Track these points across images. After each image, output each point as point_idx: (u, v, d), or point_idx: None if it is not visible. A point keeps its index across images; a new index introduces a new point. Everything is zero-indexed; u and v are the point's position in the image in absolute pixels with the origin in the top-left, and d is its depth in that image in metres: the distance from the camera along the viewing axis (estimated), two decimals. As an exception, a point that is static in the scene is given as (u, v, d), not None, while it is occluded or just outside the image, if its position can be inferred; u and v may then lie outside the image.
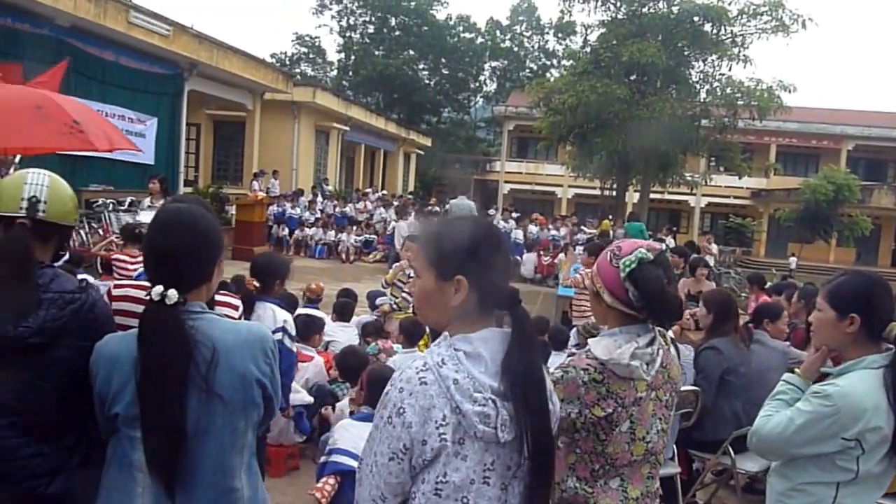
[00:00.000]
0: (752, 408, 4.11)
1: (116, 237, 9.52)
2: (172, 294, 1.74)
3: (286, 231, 18.30)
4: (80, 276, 6.47)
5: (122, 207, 12.33)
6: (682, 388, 4.00)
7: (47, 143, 3.83)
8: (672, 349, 2.16)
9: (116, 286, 2.29)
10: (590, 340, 2.08)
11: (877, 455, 2.16)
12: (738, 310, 4.68)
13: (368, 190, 24.76)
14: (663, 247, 2.14)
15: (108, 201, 12.19)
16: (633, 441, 2.02)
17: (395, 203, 20.99)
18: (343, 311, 6.70)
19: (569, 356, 2.35)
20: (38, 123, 3.82)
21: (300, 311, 6.47)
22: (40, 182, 2.03)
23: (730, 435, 4.12)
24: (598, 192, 28.62)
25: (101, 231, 11.68)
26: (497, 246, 1.60)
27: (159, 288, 1.74)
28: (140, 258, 4.34)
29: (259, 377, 1.84)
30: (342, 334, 6.33)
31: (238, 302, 2.53)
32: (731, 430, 4.15)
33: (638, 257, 2.02)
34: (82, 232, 11.57)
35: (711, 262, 13.54)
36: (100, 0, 12.38)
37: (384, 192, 26.87)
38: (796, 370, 2.47)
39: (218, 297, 2.13)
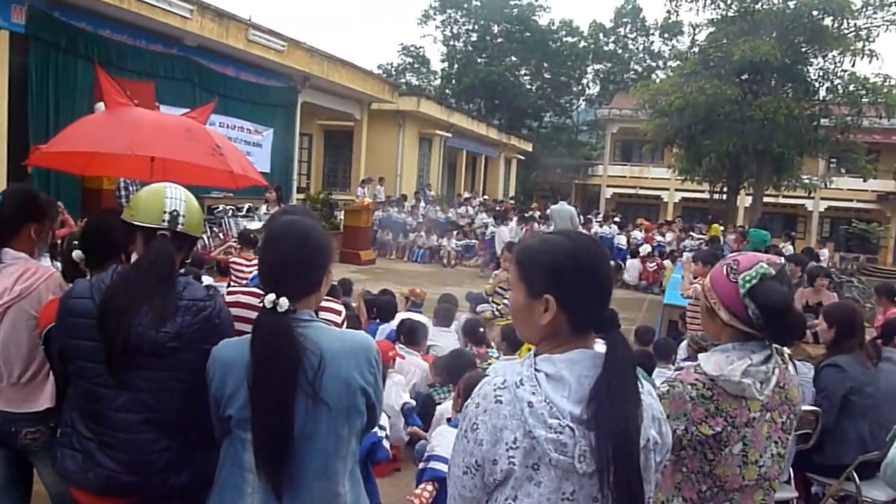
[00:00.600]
0: (880, 431, 3.85)
1: (234, 242, 10.04)
2: (284, 302, 1.81)
3: (390, 235, 18.66)
4: (204, 282, 6.89)
5: (241, 213, 13.03)
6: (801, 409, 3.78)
7: (193, 160, 4.26)
8: (791, 368, 2.03)
9: (229, 293, 2.40)
10: (700, 355, 1.99)
11: None
12: (863, 324, 4.36)
13: (468, 195, 24.91)
14: (783, 261, 2.01)
15: (228, 207, 12.88)
16: (746, 464, 1.92)
17: (497, 208, 21.01)
18: (444, 315, 6.77)
19: (676, 370, 2.25)
20: (188, 142, 4.30)
21: (404, 315, 6.62)
22: (178, 196, 2.21)
23: (854, 459, 3.85)
24: (706, 195, 27.69)
25: (220, 235, 12.37)
26: (594, 265, 1.50)
27: (272, 296, 1.82)
28: (254, 262, 4.57)
29: (363, 385, 1.88)
30: (443, 338, 6.38)
31: (341, 307, 2.61)
32: (855, 454, 3.88)
33: (759, 273, 1.91)
34: (204, 236, 12.24)
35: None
36: (223, 20, 13.13)
37: (485, 197, 26.99)
38: None
39: (322, 303, 2.19)
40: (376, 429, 4.03)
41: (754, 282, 1.91)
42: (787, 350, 3.70)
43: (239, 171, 4.46)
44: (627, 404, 1.40)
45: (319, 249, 1.95)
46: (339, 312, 2.54)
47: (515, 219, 17.69)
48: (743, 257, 1.99)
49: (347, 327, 5.39)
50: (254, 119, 15.30)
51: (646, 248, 17.48)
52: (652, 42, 47.43)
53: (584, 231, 17.86)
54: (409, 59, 49.80)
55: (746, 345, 1.94)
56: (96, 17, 11.11)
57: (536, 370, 1.45)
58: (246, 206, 13.09)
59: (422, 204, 20.74)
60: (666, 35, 44.73)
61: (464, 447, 1.47)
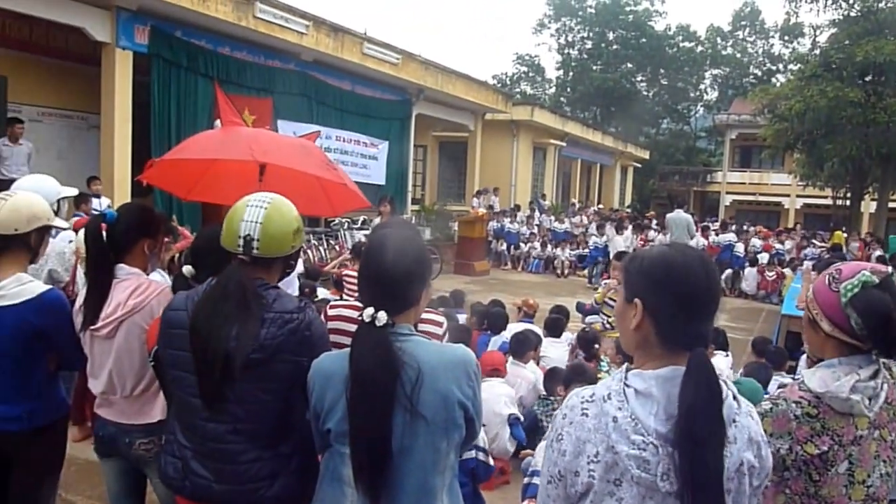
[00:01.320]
0: None
1: (348, 254, 10.38)
2: (382, 316, 1.83)
3: (504, 246, 18.71)
4: (320, 296, 7.19)
5: (356, 226, 13.47)
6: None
7: (310, 170, 4.35)
8: None
9: (331, 306, 2.47)
10: (804, 371, 1.94)
11: None
12: None
13: (577, 204, 24.61)
14: (889, 270, 1.95)
15: (345, 220, 13.32)
16: (852, 484, 1.85)
17: (612, 217, 20.64)
18: (554, 326, 6.78)
19: (779, 387, 2.20)
20: (304, 157, 4.42)
21: (516, 326, 6.69)
22: (255, 219, 2.13)
23: None
24: (828, 202, 26.27)
25: (337, 248, 12.85)
26: (689, 276, 1.47)
27: (370, 310, 1.84)
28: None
29: (461, 399, 1.86)
30: (553, 350, 6.38)
31: (442, 319, 2.61)
32: None
33: (861, 280, 1.85)
34: (321, 248, 12.78)
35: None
36: (338, 35, 13.46)
37: (600, 206, 26.57)
38: None
39: (423, 315, 2.26)
40: (473, 451, 4.07)
41: (856, 290, 1.84)
42: None
43: (352, 185, 4.56)
44: (711, 423, 1.37)
45: (418, 263, 1.94)
46: (440, 324, 2.53)
47: (630, 227, 17.34)
48: (846, 266, 1.93)
49: (458, 339, 5.56)
50: (369, 132, 15.55)
51: (764, 257, 16.73)
52: (771, 45, 45.61)
53: (702, 238, 17.45)
54: (524, 69, 49.89)
55: (853, 359, 1.87)
56: (215, 35, 11.47)
57: (626, 385, 1.46)
58: (361, 218, 13.52)
59: (536, 214, 20.67)
60: (786, 38, 42.80)
61: (549, 457, 1.50)
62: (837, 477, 1.84)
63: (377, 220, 11.86)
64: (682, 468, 1.35)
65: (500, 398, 4.97)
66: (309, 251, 12.20)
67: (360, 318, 1.88)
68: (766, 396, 1.97)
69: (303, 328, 2.08)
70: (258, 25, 11.44)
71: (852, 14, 20.65)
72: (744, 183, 37.48)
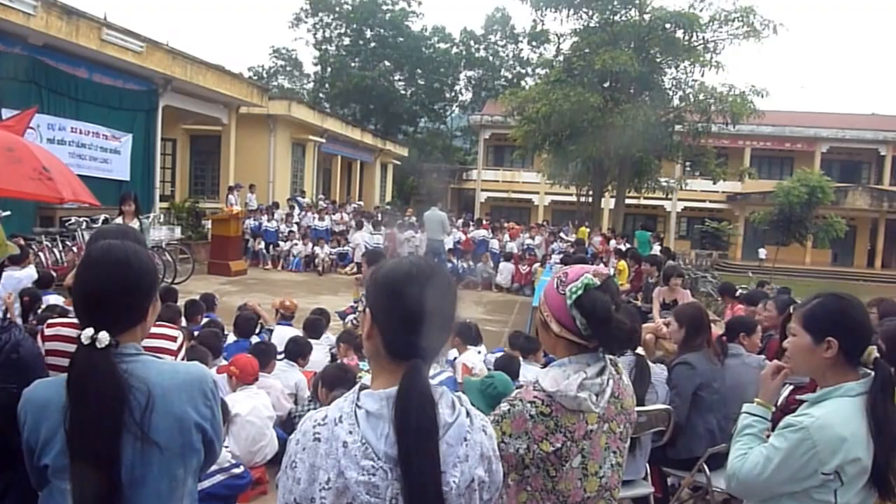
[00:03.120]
0: (727, 423, 4.08)
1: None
2: (103, 337, 1.64)
3: (263, 244, 18.12)
4: (51, 301, 6.35)
5: (97, 225, 12.13)
6: (654, 408, 3.94)
7: (17, 187, 3.76)
8: (625, 378, 2.09)
9: (49, 325, 2.18)
10: (538, 372, 2.02)
11: (855, 486, 2.04)
12: (710, 323, 4.62)
13: (320, 201, 24.61)
14: (609, 273, 2.07)
15: (82, 219, 12.00)
16: (586, 477, 1.95)
17: (369, 214, 20.88)
18: (313, 328, 6.66)
19: (517, 388, 2.27)
20: (10, 165, 3.77)
21: (276, 328, 6.43)
22: None
23: (704, 452, 4.06)
24: (574, 199, 28.78)
25: (75, 249, 11.51)
26: (407, 289, 1.42)
27: (89, 331, 1.65)
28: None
29: (198, 421, 1.75)
30: (314, 352, 6.24)
31: (177, 333, 2.40)
32: (705, 446, 4.09)
33: (584, 283, 1.96)
34: (56, 251, 11.39)
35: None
36: (72, 18, 12.27)
37: (360, 203, 26.79)
38: (756, 398, 2.35)
39: (154, 329, 2.01)
40: (218, 475, 3.93)
41: (580, 292, 1.94)
42: (628, 357, 3.85)
43: (69, 195, 4.03)
44: (421, 443, 1.35)
45: (143, 275, 1.78)
46: (173, 339, 2.35)
47: (371, 224, 17.69)
48: (572, 270, 2.05)
49: (207, 344, 5.19)
50: (110, 124, 14.40)
51: (512, 246, 17.98)
52: (521, 50, 48.84)
53: (461, 233, 18.35)
54: (282, 62, 48.76)
55: (581, 358, 1.97)
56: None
57: (358, 406, 1.40)
58: (102, 217, 12.24)
59: (296, 211, 20.31)
60: (534, 43, 46.04)
61: (284, 485, 1.43)
62: (572, 471, 1.92)
63: (117, 220, 10.82)
64: (402, 491, 1.34)
65: (259, 405, 4.76)
66: (42, 254, 10.84)
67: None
68: (504, 399, 2.01)
69: (8, 350, 1.82)
70: (-25, 3, 10.05)
71: (591, 24, 22.62)
72: (497, 181, 40.11)
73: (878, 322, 5.50)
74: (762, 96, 20.84)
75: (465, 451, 1.42)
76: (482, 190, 39.83)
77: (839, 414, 2.05)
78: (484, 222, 21.68)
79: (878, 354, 2.09)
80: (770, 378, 2.34)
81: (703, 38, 21.55)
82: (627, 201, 25.96)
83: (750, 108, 20.68)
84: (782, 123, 36.34)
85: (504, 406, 1.95)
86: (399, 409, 1.36)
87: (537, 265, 16.69)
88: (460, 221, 21.76)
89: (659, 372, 4.24)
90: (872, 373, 2.09)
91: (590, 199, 25.95)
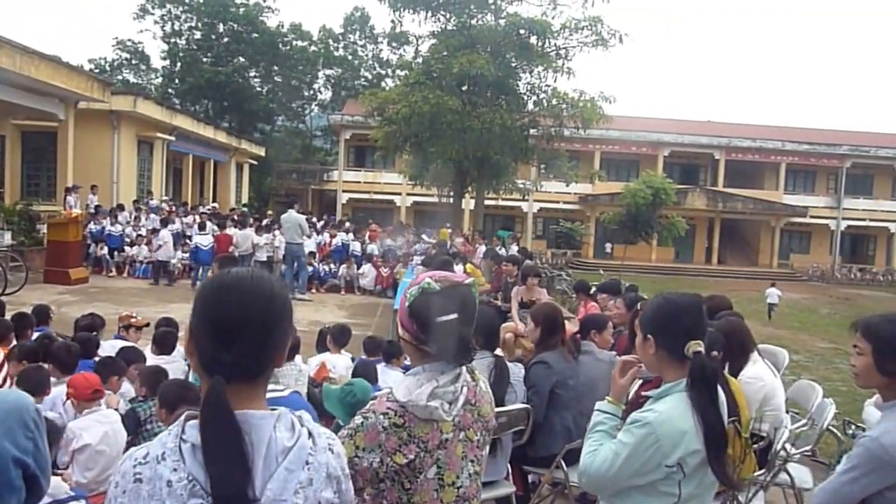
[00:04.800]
0: (582, 420, 4.16)
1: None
2: None
3: (106, 250, 16.89)
4: None
5: None
6: (513, 408, 3.97)
7: None
8: (482, 385, 2.04)
9: None
10: (393, 381, 1.94)
11: (698, 477, 2.13)
12: (564, 321, 4.73)
13: (167, 201, 23.54)
14: (457, 280, 1.99)
15: None
16: (442, 487, 1.89)
17: (235, 216, 19.92)
18: (164, 342, 5.98)
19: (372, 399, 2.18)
20: None
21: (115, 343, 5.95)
22: None
23: (562, 449, 4.13)
24: (436, 199, 29.07)
25: None
26: (221, 301, 1.34)
27: None
28: None
29: (17, 455, 1.50)
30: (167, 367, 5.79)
31: None
32: (562, 443, 4.16)
33: (422, 287, 1.89)
34: None
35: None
36: None
37: (215, 204, 25.69)
38: (607, 396, 2.42)
39: None
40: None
41: (415, 297, 1.89)
42: (487, 359, 3.85)
43: None
44: (229, 470, 1.24)
45: None
46: None
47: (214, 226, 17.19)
48: (423, 275, 1.98)
49: (52, 360, 4.66)
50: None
51: (373, 248, 17.90)
52: (381, 50, 48.78)
53: (325, 235, 18.00)
54: (126, 55, 45.86)
55: (435, 365, 1.91)
56: None
57: (182, 440, 1.27)
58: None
59: (144, 214, 19.09)
60: (394, 44, 46.15)
61: None
62: (427, 482, 1.86)
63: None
64: None
65: (110, 430, 4.33)
66: None
67: None
68: (359, 411, 1.92)
69: None
70: None
71: (449, 27, 22.90)
72: (359, 182, 39.88)
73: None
74: (610, 102, 21.92)
75: (307, 475, 1.33)
76: (344, 191, 39.47)
77: (678, 408, 2.13)
78: (346, 224, 21.45)
79: (699, 349, 2.15)
80: (619, 376, 2.40)
81: (556, 44, 22.34)
82: (487, 202, 26.51)
83: (599, 114, 21.68)
84: (629, 129, 38.57)
85: (358, 419, 1.87)
86: (201, 435, 1.25)
87: (399, 266, 16.68)
88: (321, 223, 21.41)
89: (517, 372, 4.28)
90: (692, 367, 2.16)
91: (451, 201, 26.29)
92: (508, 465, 4.17)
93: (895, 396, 2.30)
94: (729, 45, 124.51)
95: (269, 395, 1.42)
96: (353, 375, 4.89)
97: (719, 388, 2.21)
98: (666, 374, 2.24)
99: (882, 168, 42.63)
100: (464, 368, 1.94)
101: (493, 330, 4.14)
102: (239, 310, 1.32)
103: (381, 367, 5.47)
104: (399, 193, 37.77)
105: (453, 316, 1.85)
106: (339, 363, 5.83)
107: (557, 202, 38.41)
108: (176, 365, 5.85)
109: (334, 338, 6.03)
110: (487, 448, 2.05)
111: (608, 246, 32.48)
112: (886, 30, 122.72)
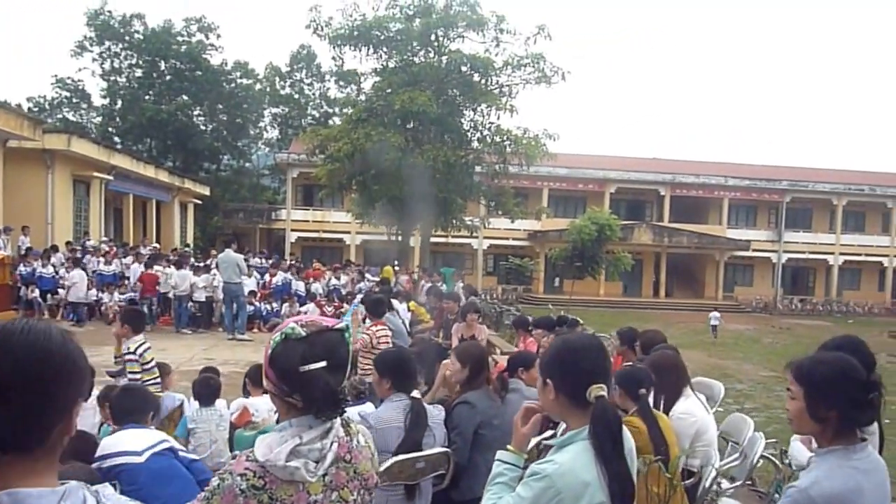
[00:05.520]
0: (506, 460, 4.02)
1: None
2: None
3: (38, 293, 16.22)
4: None
5: None
6: (432, 452, 3.78)
7: None
8: (360, 439, 1.86)
9: None
10: (257, 439, 1.74)
11: None
12: (489, 361, 4.59)
13: (106, 244, 22.89)
14: (338, 325, 1.81)
15: None
16: None
17: (170, 256, 19.44)
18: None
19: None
20: None
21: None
22: None
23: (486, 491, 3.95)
24: (385, 238, 28.94)
25: None
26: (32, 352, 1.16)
27: None
28: None
29: None
30: (82, 416, 5.42)
31: None
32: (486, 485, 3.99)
33: (284, 333, 1.71)
34: None
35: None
36: None
37: (156, 245, 25.03)
38: (509, 446, 2.25)
39: None
40: None
41: (277, 343, 1.71)
42: (401, 402, 3.66)
43: None
44: None
45: None
46: None
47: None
48: (289, 319, 1.79)
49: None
50: None
51: (317, 287, 17.58)
52: (328, 88, 48.67)
53: (268, 275, 17.64)
54: (66, 94, 44.84)
55: (303, 420, 1.72)
56: None
57: None
58: None
59: (79, 255, 18.43)
60: (341, 82, 46.16)
61: None
62: None
63: None
64: None
65: None
66: None
67: None
68: (217, 472, 1.72)
69: None
70: None
71: (391, 65, 22.97)
72: (307, 220, 39.45)
73: (640, 354, 5.83)
74: (554, 139, 22.21)
75: None
76: (292, 230, 39.00)
77: (580, 458, 1.98)
78: (288, 263, 21.07)
79: (602, 393, 2.01)
80: (521, 423, 2.23)
81: (499, 81, 22.63)
82: (436, 239, 26.43)
83: (543, 151, 21.90)
84: (575, 166, 39.13)
85: (215, 481, 1.66)
86: None
87: (345, 306, 16.39)
88: (269, 262, 21.05)
89: (437, 413, 4.10)
90: (592, 414, 2.02)
91: (399, 239, 26.15)
92: (431, 512, 3.97)
93: (828, 443, 2.17)
94: (674, 83, 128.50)
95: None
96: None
97: (625, 434, 2.08)
98: (569, 420, 2.09)
99: (820, 202, 43.99)
100: (337, 422, 1.76)
101: (408, 371, 3.95)
102: (6, 369, 1.11)
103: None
104: (348, 232, 37.46)
105: (320, 364, 1.67)
106: (262, 406, 5.56)
107: (507, 239, 38.59)
108: (91, 411, 5.54)
109: (252, 380, 5.77)
110: None
111: (556, 280, 32.70)
112: (823, 67, 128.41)
